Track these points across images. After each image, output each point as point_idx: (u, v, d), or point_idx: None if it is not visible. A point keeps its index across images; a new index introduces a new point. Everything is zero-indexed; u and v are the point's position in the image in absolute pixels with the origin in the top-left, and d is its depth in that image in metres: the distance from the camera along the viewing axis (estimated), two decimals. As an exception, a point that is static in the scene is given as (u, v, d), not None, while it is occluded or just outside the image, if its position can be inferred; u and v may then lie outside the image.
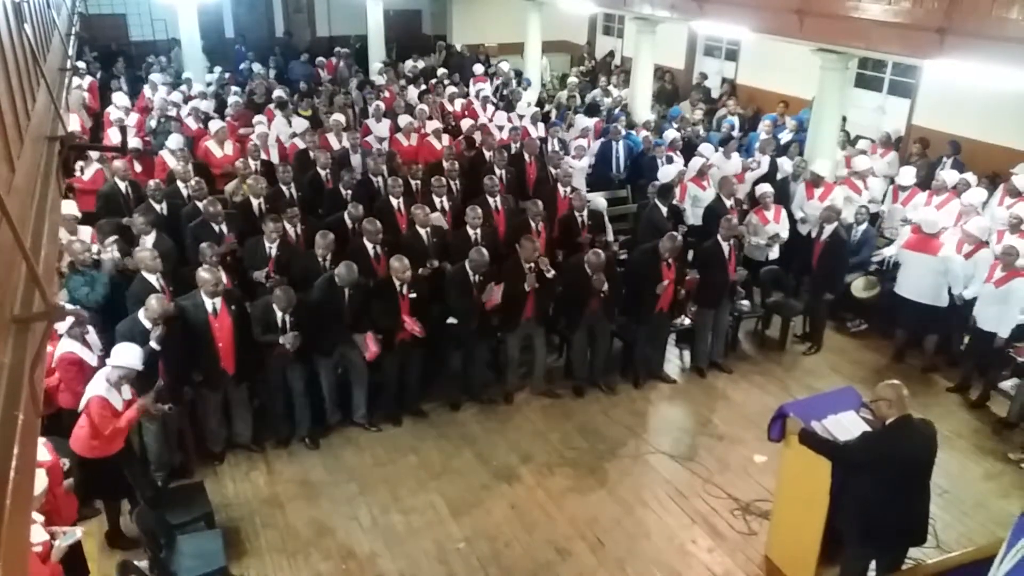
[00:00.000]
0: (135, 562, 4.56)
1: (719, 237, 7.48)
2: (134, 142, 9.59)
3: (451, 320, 6.87)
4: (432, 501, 6.18)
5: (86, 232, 6.81)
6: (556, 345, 8.06)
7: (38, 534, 3.90)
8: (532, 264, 6.83)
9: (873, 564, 4.79)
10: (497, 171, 8.95)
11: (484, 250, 6.82)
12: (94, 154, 8.80)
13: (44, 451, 4.54)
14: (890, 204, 9.27)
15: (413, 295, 6.57)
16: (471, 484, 6.38)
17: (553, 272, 6.92)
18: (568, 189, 8.76)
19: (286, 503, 6.13)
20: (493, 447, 6.84)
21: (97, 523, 5.69)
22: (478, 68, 15.30)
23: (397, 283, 6.50)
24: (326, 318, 6.37)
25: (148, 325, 5.58)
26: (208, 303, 5.94)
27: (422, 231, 7.39)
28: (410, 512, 6.05)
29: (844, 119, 11.01)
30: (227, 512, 5.97)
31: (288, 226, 7.32)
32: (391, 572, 5.51)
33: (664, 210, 8.42)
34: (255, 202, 8.02)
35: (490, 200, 8.20)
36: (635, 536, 5.86)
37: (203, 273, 5.94)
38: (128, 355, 5.14)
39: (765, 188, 8.74)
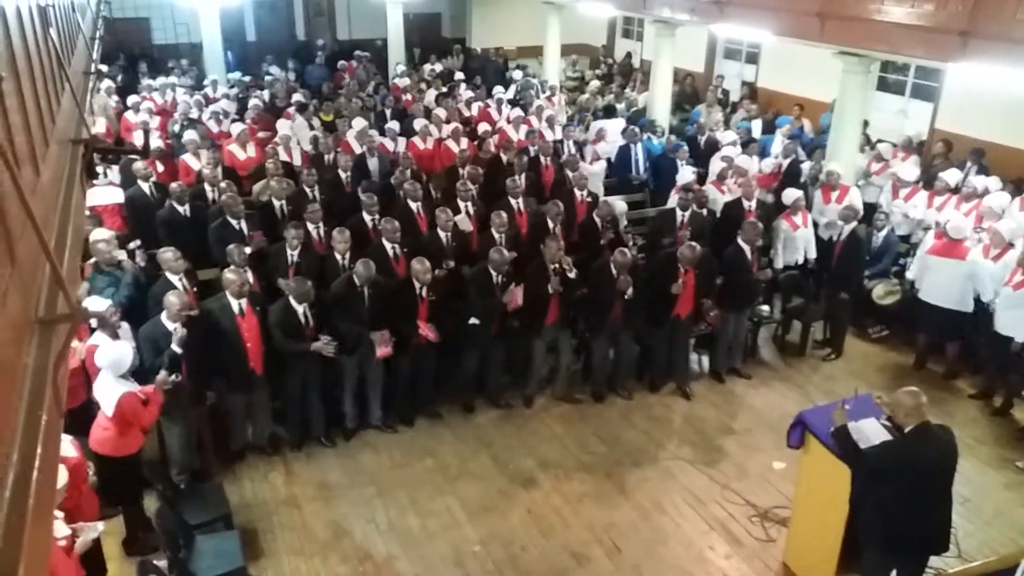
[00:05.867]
0: (155, 562, 4.60)
1: (740, 241, 7.44)
2: (156, 144, 9.70)
3: (472, 321, 6.82)
4: (448, 504, 6.19)
5: (105, 232, 6.82)
6: (576, 348, 8.02)
7: (60, 529, 3.94)
8: (556, 264, 6.81)
9: (894, 573, 4.74)
10: (517, 174, 8.93)
11: (504, 250, 6.83)
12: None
13: (70, 448, 4.58)
14: (889, 201, 9.12)
15: (432, 297, 6.59)
16: (488, 488, 6.39)
17: (575, 272, 6.89)
18: (584, 193, 8.74)
19: (304, 505, 6.16)
20: (510, 451, 6.84)
21: (118, 522, 5.72)
22: (517, 75, 15.51)
23: (417, 285, 6.52)
24: (346, 317, 6.39)
25: (170, 327, 5.59)
26: (235, 304, 5.98)
27: (442, 234, 7.42)
28: (427, 515, 6.07)
29: (866, 123, 10.89)
30: (245, 513, 6.01)
31: (311, 225, 7.40)
32: (407, 575, 5.52)
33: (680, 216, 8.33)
34: (277, 204, 8.07)
35: (513, 202, 8.22)
36: (652, 542, 5.84)
37: (229, 274, 5.99)
38: (113, 354, 5.07)
39: (797, 193, 8.60)
